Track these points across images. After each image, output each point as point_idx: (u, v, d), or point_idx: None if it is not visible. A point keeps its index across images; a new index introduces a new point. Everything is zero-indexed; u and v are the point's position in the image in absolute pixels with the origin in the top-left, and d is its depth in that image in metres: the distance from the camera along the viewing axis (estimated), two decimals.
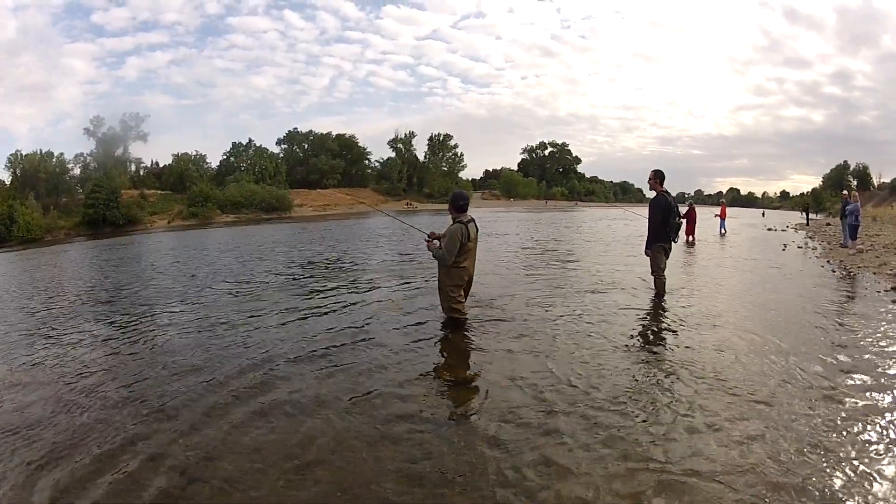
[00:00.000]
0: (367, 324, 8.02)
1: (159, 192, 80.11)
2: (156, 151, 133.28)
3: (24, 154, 72.95)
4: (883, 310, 8.30)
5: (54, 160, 74.01)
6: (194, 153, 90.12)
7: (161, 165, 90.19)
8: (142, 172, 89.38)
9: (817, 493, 3.43)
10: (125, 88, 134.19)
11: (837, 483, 3.52)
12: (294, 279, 13.46)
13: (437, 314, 8.00)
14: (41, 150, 73.62)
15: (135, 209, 67.91)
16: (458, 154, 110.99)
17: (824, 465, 3.74)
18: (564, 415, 4.58)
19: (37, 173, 70.60)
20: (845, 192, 20.25)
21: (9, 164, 72.49)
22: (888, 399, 4.79)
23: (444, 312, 7.71)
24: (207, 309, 9.85)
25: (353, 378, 5.67)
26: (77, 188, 74.00)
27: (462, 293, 7.53)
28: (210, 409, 5.04)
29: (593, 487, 3.50)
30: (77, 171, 77.58)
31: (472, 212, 7.58)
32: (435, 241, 7.53)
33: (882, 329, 7.17)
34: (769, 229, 30.82)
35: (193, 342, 7.47)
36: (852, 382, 5.17)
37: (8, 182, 71.07)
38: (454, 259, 7.16)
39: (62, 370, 6.61)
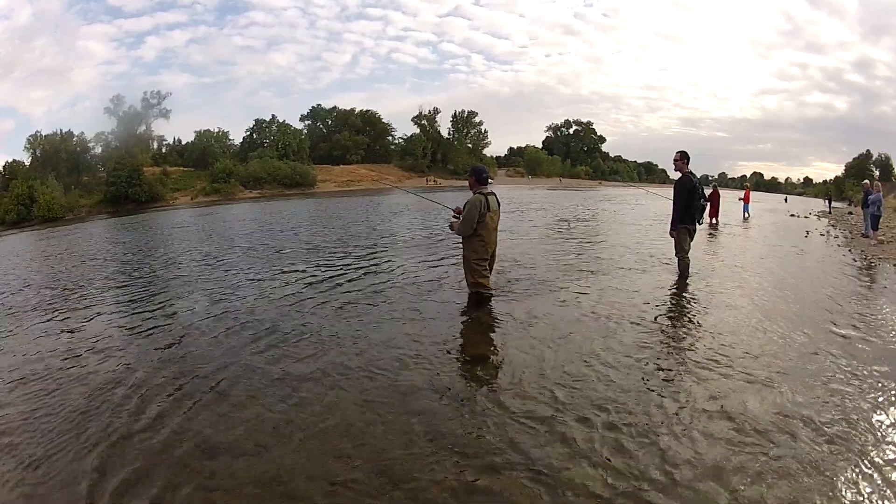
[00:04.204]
0: (391, 298, 8.12)
1: (182, 168, 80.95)
2: (176, 129, 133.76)
3: (43, 135, 73.76)
4: None
5: (75, 139, 74.76)
6: (217, 130, 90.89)
7: (184, 143, 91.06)
8: (164, 150, 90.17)
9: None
10: (144, 68, 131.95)
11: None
12: (319, 252, 13.96)
13: (462, 289, 8.03)
14: (61, 131, 74.39)
15: (157, 186, 68.71)
16: (483, 131, 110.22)
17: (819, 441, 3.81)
18: (583, 395, 4.53)
19: (57, 153, 71.26)
20: (867, 181, 20.16)
21: (28, 145, 73.43)
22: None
23: (468, 287, 7.68)
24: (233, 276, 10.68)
25: (375, 351, 5.75)
26: (99, 166, 74.68)
27: (487, 267, 7.51)
28: (234, 377, 5.22)
29: (605, 474, 3.43)
30: (98, 149, 78.33)
31: (494, 188, 7.72)
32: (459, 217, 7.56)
33: None
34: (792, 215, 30.61)
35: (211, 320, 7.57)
36: (865, 373, 5.05)
37: (28, 163, 72.04)
38: (474, 228, 7.17)
39: (84, 348, 6.68)
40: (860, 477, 3.37)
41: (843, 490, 3.25)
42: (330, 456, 3.72)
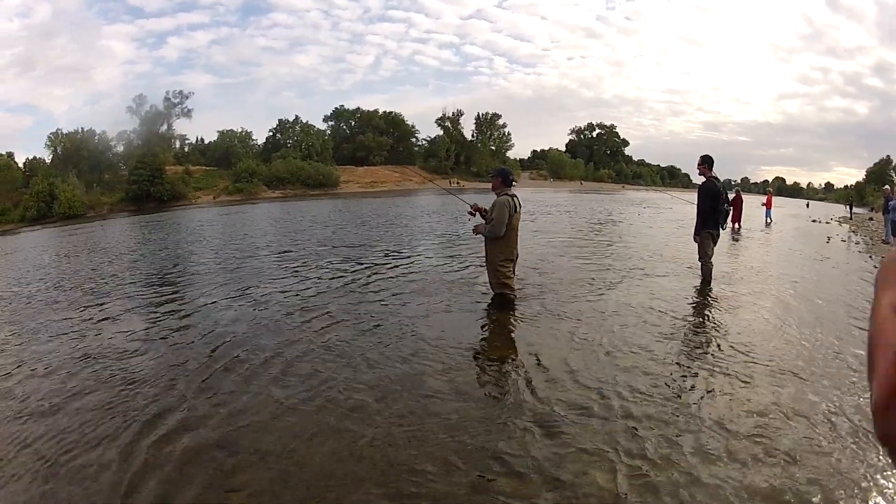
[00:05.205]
0: (414, 300, 8.11)
1: (204, 168, 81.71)
2: (199, 129, 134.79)
3: (64, 133, 74.88)
4: None
5: (96, 138, 75.76)
6: (240, 130, 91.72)
7: (207, 142, 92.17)
8: (186, 149, 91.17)
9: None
10: (166, 68, 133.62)
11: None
12: (343, 252, 14.11)
13: (486, 290, 7.98)
14: (82, 129, 75.39)
15: (179, 185, 69.52)
16: (506, 133, 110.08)
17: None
18: (609, 393, 4.60)
19: (78, 151, 72.12)
20: (887, 187, 20.18)
21: (49, 143, 74.55)
22: None
23: (492, 289, 7.64)
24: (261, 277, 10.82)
25: (398, 353, 5.71)
26: (120, 165, 75.37)
27: (511, 268, 7.49)
28: (257, 377, 5.22)
29: (627, 477, 3.41)
30: (120, 148, 79.15)
31: (517, 190, 7.65)
32: (478, 215, 7.58)
33: None
34: (813, 221, 30.20)
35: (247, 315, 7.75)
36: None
37: (49, 160, 73.10)
38: (503, 230, 7.15)
39: (107, 345, 6.70)
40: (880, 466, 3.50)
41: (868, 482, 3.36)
42: (351, 459, 3.72)
